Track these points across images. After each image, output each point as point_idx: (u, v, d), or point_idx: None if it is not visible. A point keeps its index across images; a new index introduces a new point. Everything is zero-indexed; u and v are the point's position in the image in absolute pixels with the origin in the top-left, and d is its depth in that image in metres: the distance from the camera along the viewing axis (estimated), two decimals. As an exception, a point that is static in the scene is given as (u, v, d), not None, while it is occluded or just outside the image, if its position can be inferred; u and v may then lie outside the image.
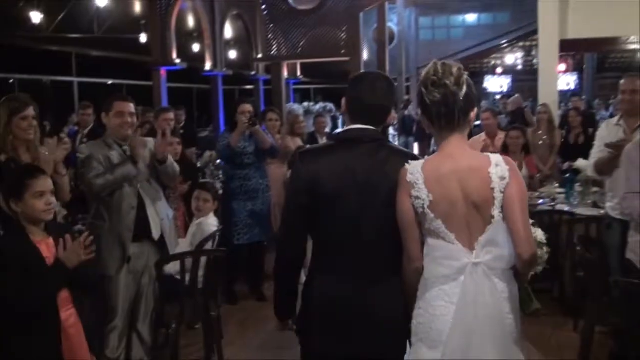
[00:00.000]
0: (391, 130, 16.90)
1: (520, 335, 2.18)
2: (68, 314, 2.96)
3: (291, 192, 2.49)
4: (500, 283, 2.12)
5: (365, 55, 17.15)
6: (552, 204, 5.58)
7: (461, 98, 2.14)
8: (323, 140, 8.45)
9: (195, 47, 17.68)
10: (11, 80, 16.83)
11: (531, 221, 2.23)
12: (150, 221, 4.06)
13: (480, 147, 6.33)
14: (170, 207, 5.16)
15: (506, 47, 20.72)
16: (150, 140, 4.24)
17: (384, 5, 13.46)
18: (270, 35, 11.94)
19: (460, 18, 19.25)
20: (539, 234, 2.41)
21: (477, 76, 21.74)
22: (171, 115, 6.45)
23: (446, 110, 2.15)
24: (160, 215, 4.15)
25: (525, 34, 17.26)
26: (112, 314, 3.97)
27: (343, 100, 2.48)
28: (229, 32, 19.28)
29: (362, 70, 10.74)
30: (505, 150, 5.64)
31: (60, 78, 17.07)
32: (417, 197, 2.14)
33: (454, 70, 2.16)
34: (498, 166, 2.12)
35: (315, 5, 11.64)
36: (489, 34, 18.29)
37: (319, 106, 16.27)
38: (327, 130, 15.06)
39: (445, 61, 2.21)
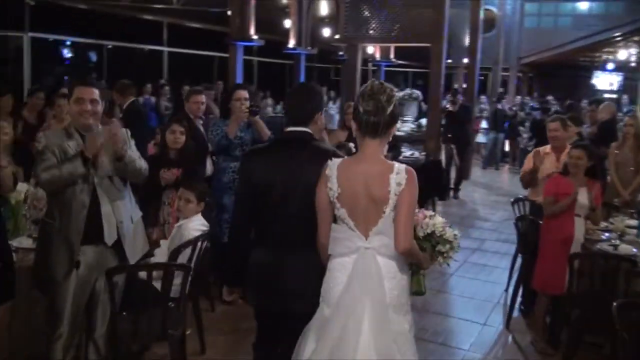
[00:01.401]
0: (484, 124, 15.66)
1: (405, 301, 2.70)
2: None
3: (238, 183, 3.42)
4: (387, 263, 2.63)
5: (467, 41, 16.04)
6: (617, 242, 4.51)
7: (388, 113, 2.61)
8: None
9: (288, 23, 17.09)
10: (110, 46, 17.10)
11: (431, 213, 2.85)
12: (103, 223, 3.52)
13: (540, 160, 5.33)
14: (165, 203, 4.67)
15: (619, 41, 18.63)
16: (122, 132, 3.70)
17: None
18: (348, 14, 11.11)
19: (569, 5, 17.35)
20: (448, 232, 2.79)
21: (585, 70, 19.74)
22: (202, 98, 5.88)
23: (374, 120, 2.60)
24: (120, 217, 3.60)
25: (640, 27, 15.45)
26: (58, 322, 3.51)
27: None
28: (324, 8, 18.68)
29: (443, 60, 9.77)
30: (565, 171, 4.62)
31: (150, 47, 17.12)
32: (330, 189, 2.65)
33: (388, 90, 2.64)
34: (398, 174, 2.57)
35: (399, -16, 10.69)
36: (600, 24, 16.36)
37: (403, 92, 15.28)
38: (410, 117, 14.30)
39: (382, 81, 2.70)
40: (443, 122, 11.01)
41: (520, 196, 5.98)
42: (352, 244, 2.63)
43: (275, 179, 2.84)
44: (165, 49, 17.16)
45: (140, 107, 8.42)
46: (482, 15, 13.10)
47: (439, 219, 2.81)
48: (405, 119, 15.25)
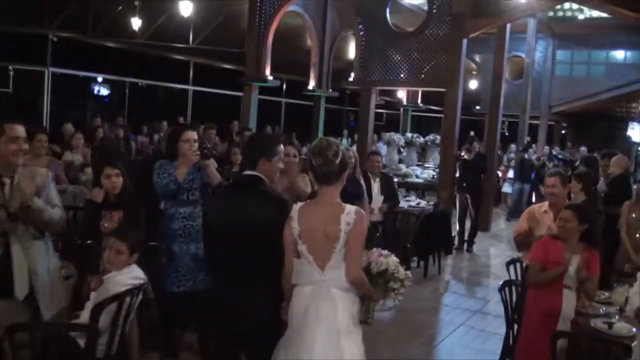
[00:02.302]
0: (511, 173, 14.99)
1: (354, 329, 3.03)
2: None
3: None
4: (340, 294, 2.98)
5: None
6: (615, 318, 3.87)
7: (336, 164, 3.02)
8: (376, 182, 7.16)
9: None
10: (141, 84, 17.17)
11: (387, 252, 3.18)
12: (14, 275, 3.14)
13: (539, 219, 4.76)
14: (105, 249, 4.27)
15: (655, 92, 17.79)
16: (41, 173, 3.36)
17: (505, 32, 11.78)
18: (363, 57, 10.76)
19: (602, 54, 16.65)
20: (401, 271, 3.12)
21: (620, 121, 18.90)
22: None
23: (325, 171, 3.02)
24: (34, 267, 3.22)
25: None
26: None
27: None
28: (353, 51, 18.40)
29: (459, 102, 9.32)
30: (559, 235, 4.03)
31: (175, 85, 17.09)
32: (293, 227, 3.03)
33: (333, 145, 3.05)
34: (348, 214, 2.96)
35: (416, 28, 10.32)
36: (635, 74, 15.65)
37: (426, 138, 14.73)
38: (432, 164, 13.70)
39: (329, 138, 3.13)
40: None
41: (517, 256, 5.37)
42: (310, 276, 2.99)
43: (225, 218, 3.26)
44: (190, 87, 17.12)
45: (110, 149, 7.72)
46: (506, 62, 12.61)
47: (393, 259, 3.15)
48: (426, 165, 14.75)
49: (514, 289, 4.63)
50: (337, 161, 2.99)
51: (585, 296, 4.00)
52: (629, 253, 5.45)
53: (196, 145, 4.58)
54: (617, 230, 5.77)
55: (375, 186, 7.01)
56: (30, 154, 6.41)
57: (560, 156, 14.03)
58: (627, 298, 4.08)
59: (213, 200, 3.52)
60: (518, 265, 5.23)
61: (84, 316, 3.63)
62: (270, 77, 11.69)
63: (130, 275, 3.69)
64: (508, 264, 5.31)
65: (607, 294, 4.40)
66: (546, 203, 4.85)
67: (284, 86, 20.38)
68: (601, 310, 4.07)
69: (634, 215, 5.55)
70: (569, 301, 3.90)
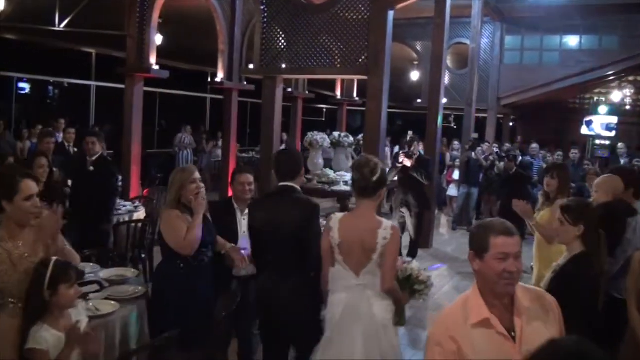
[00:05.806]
0: (456, 174, 12.60)
1: (390, 329, 3.22)
2: None
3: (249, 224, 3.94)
4: (373, 297, 3.20)
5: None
6: None
7: (373, 181, 3.22)
8: (244, 214, 4.55)
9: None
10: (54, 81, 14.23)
11: (408, 259, 3.59)
12: None
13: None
14: None
15: (612, 80, 15.54)
16: None
17: (444, 10, 9.32)
18: (265, 42, 8.10)
19: (556, 39, 14.30)
20: (423, 274, 3.47)
21: (575, 113, 16.65)
22: None
23: (363, 185, 3.25)
24: None
25: (637, 65, 12.43)
26: None
27: None
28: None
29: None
30: None
31: (75, 81, 14.15)
32: (332, 237, 3.28)
33: (371, 164, 3.25)
34: (385, 230, 3.18)
35: (327, 1, 7.70)
36: (592, 61, 13.34)
37: (359, 137, 12.16)
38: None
39: (368, 156, 3.40)
40: (395, 178, 7.98)
41: None
42: (347, 282, 3.24)
43: (267, 221, 3.59)
44: (94, 83, 14.21)
45: None
46: (447, 47, 10.14)
47: (415, 264, 3.52)
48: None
49: None
50: (374, 178, 3.21)
51: None
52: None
53: None
54: (615, 301, 3.28)
55: (244, 221, 4.37)
56: None
57: (502, 154, 11.58)
58: None
59: (255, 206, 3.80)
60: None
61: None
62: (156, 67, 8.97)
63: None
64: None
65: None
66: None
67: (209, 80, 17.65)
68: None
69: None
70: None
